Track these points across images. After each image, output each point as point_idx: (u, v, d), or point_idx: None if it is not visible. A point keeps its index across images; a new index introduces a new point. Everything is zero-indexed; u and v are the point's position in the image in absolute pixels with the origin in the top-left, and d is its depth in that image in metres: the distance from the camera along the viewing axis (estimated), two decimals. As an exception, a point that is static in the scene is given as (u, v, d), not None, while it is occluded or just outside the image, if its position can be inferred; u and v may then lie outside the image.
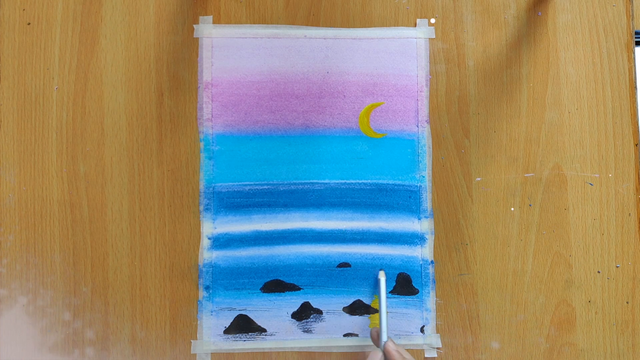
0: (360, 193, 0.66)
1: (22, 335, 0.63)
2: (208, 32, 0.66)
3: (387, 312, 0.63)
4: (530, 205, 0.67)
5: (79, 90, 0.65)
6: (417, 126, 0.67)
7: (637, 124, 0.68)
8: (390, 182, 0.66)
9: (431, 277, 0.66)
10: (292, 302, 0.65)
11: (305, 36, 0.67)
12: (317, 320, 0.65)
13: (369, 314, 0.65)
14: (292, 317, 0.65)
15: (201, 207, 0.65)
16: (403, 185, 0.66)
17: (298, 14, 0.67)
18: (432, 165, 0.67)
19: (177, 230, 0.65)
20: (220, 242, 0.65)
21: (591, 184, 0.67)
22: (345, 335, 0.65)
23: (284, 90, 0.66)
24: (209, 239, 0.65)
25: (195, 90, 0.66)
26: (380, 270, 0.63)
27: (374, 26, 0.68)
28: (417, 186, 0.66)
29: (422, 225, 0.66)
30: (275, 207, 0.65)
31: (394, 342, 0.59)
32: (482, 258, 0.66)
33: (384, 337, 0.60)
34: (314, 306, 0.65)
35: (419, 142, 0.67)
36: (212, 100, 0.66)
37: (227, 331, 0.64)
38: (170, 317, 0.64)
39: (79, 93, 0.65)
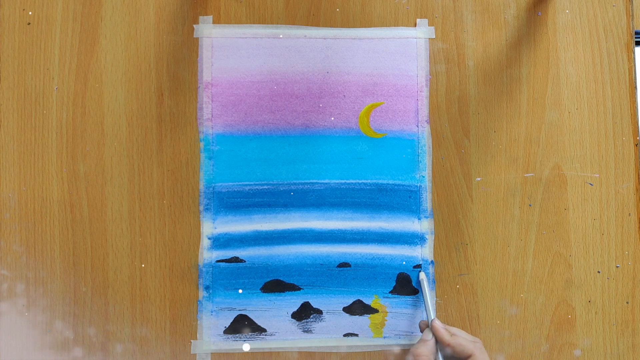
0: (360, 193, 0.66)
1: (21, 335, 0.63)
2: (208, 32, 0.66)
3: (430, 302, 0.64)
4: (530, 205, 0.67)
5: (79, 90, 0.65)
6: (417, 126, 0.67)
7: (637, 124, 0.68)
8: (390, 182, 0.66)
9: (431, 277, 0.66)
10: (292, 302, 0.65)
11: (305, 36, 0.67)
12: (317, 320, 0.65)
13: (369, 314, 0.65)
14: (292, 317, 0.65)
15: (201, 207, 0.65)
16: (403, 185, 0.66)
17: (298, 14, 0.67)
18: (432, 165, 0.67)
19: (177, 230, 0.65)
20: (220, 242, 0.65)
21: (591, 184, 0.67)
22: (345, 335, 0.65)
23: (284, 90, 0.66)
24: (209, 239, 0.65)
25: (195, 90, 0.66)
26: (420, 272, 0.65)
27: (374, 26, 0.68)
28: (417, 186, 0.66)
29: (422, 225, 0.66)
30: (275, 207, 0.65)
31: (439, 321, 0.61)
32: (482, 258, 0.66)
33: (432, 316, 0.61)
34: (314, 306, 0.65)
35: (419, 142, 0.67)
36: (212, 100, 0.66)
37: (227, 331, 0.64)
38: (170, 317, 0.64)
39: (79, 93, 0.65)
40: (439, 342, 0.58)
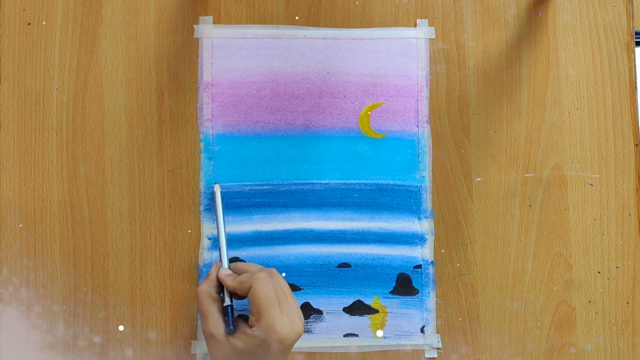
0: (360, 193, 0.66)
1: (21, 336, 0.63)
2: (208, 32, 0.66)
3: (225, 235, 0.61)
4: (530, 205, 0.67)
5: (79, 90, 0.65)
6: (417, 126, 0.67)
7: (637, 124, 0.68)
8: (391, 182, 0.66)
9: (431, 277, 0.66)
10: (292, 302, 0.65)
11: (305, 36, 0.67)
12: (317, 320, 0.65)
13: (370, 314, 0.65)
14: (292, 318, 0.65)
15: (201, 208, 0.65)
16: (403, 186, 0.66)
17: (298, 14, 0.67)
18: (432, 166, 0.67)
19: (177, 230, 0.65)
20: (221, 242, 0.65)
21: (591, 184, 0.67)
22: (345, 335, 0.65)
23: (284, 90, 0.66)
24: (209, 239, 0.65)
25: (195, 91, 0.66)
26: (215, 183, 0.63)
27: (374, 26, 0.68)
28: (417, 186, 0.66)
29: (422, 226, 0.66)
30: (276, 207, 0.65)
31: (228, 269, 0.59)
32: (482, 258, 0.66)
33: (224, 264, 0.60)
34: (314, 306, 0.65)
35: (419, 143, 0.67)
36: (212, 101, 0.66)
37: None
38: (170, 317, 0.64)
39: (79, 93, 0.65)
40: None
